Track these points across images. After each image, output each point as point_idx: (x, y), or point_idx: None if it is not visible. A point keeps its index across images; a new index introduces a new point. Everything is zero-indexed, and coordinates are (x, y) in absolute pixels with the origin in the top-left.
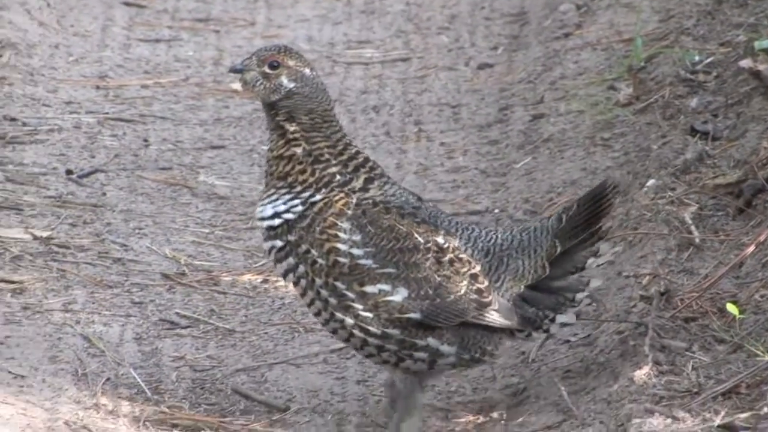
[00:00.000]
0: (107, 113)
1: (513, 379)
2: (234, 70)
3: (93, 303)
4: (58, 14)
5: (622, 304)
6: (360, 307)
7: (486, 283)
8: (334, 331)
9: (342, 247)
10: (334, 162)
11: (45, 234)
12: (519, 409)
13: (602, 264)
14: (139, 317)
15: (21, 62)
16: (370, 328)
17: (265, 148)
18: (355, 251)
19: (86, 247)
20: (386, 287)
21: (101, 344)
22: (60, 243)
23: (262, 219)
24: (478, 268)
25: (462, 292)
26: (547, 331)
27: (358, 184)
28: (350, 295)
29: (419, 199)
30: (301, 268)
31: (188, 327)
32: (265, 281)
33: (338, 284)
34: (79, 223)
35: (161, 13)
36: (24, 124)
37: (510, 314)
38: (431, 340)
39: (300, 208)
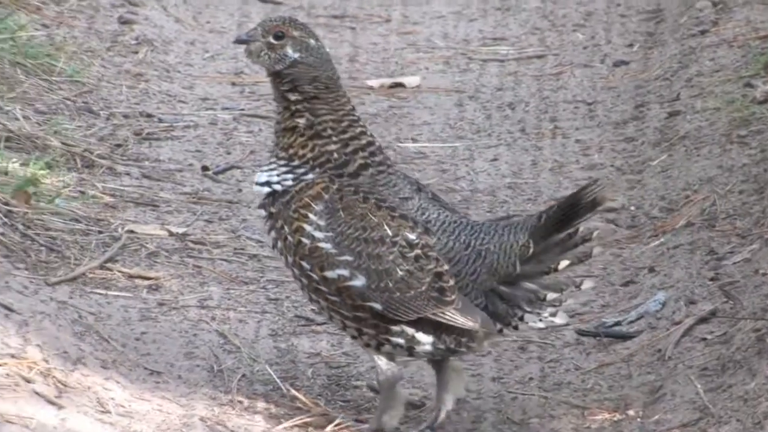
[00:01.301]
0: (243, 109)
1: (649, 377)
2: (239, 41)
3: (228, 299)
4: (194, 11)
5: (758, 301)
6: (326, 290)
7: (451, 282)
8: (320, 312)
9: (307, 228)
10: (335, 139)
11: (181, 230)
12: (655, 407)
13: (738, 262)
14: (274, 314)
15: (157, 59)
16: (342, 311)
17: (400, 144)
18: (317, 234)
19: (222, 243)
20: (345, 273)
21: (237, 341)
22: (196, 239)
23: (256, 183)
24: (445, 267)
25: (423, 288)
26: (516, 328)
27: (351, 168)
28: (315, 277)
29: (419, 189)
30: (279, 244)
31: (323, 323)
32: None
33: (304, 264)
34: (215, 219)
35: (297, 9)
36: (160, 121)
37: (473, 314)
38: (405, 327)
39: (290, 182)
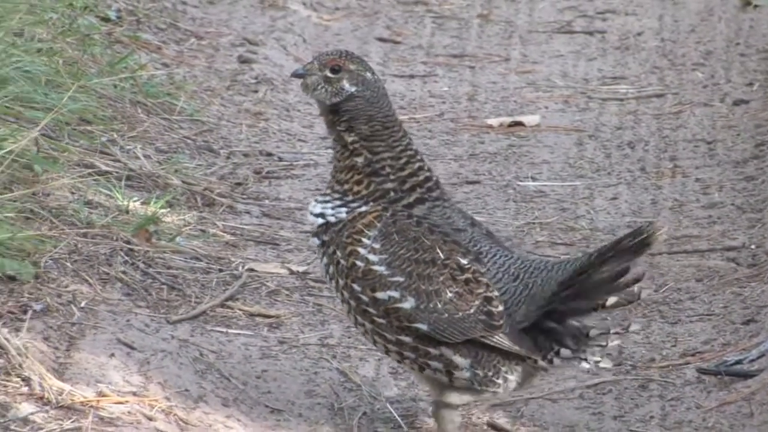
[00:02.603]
0: None
1: None
2: (296, 75)
3: (349, 337)
4: (313, 50)
5: None
6: (374, 312)
7: (500, 308)
8: (363, 336)
9: (361, 251)
10: (392, 177)
11: (301, 269)
12: None
13: None
14: None
15: (277, 98)
16: (386, 334)
17: (520, 182)
18: (372, 257)
19: None
20: (395, 294)
21: (357, 378)
22: (316, 278)
23: (311, 213)
24: (495, 293)
25: (471, 311)
26: (551, 362)
27: (407, 201)
28: (364, 299)
29: (472, 224)
30: (332, 269)
31: None
32: None
33: (355, 287)
34: None
35: (416, 48)
36: (280, 159)
37: (520, 340)
38: (444, 350)
39: (344, 216)
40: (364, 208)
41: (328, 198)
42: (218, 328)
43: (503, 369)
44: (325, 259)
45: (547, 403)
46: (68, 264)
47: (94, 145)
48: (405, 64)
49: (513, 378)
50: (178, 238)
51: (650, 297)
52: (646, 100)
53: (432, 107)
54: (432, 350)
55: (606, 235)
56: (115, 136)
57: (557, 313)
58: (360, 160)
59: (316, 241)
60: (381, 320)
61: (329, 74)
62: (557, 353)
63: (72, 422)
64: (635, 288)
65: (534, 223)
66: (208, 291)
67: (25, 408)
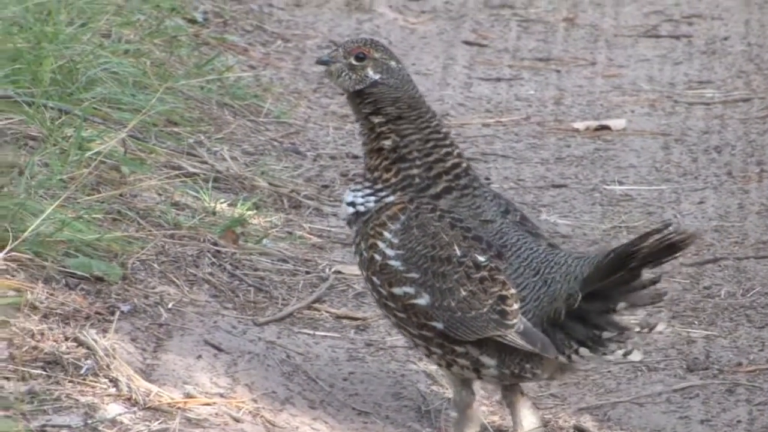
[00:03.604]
0: None
1: None
2: (321, 62)
3: None
4: (399, 53)
5: None
6: (393, 306)
7: (514, 306)
8: (393, 327)
9: (381, 245)
10: (418, 163)
11: None
12: None
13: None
14: None
15: None
16: (408, 328)
17: (606, 186)
18: (389, 251)
19: None
20: (410, 290)
21: (444, 381)
22: None
23: (344, 202)
24: (511, 291)
25: (484, 310)
26: (569, 358)
27: (434, 191)
28: (383, 293)
29: (506, 212)
30: (358, 259)
31: None
32: None
33: (375, 279)
34: None
35: (502, 52)
36: None
37: (534, 339)
38: (469, 348)
39: (372, 204)
40: (391, 198)
41: (359, 186)
42: (305, 330)
43: (528, 366)
44: (354, 249)
45: (634, 407)
46: (155, 265)
47: (181, 147)
48: (491, 68)
49: (541, 372)
50: (264, 240)
51: (737, 301)
52: (732, 105)
53: (518, 110)
54: (458, 348)
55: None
56: (202, 137)
57: (570, 312)
58: (388, 143)
59: (348, 231)
60: (401, 315)
61: (354, 62)
62: (576, 351)
63: (159, 423)
64: (652, 290)
65: (621, 227)
66: (294, 293)
67: (113, 409)
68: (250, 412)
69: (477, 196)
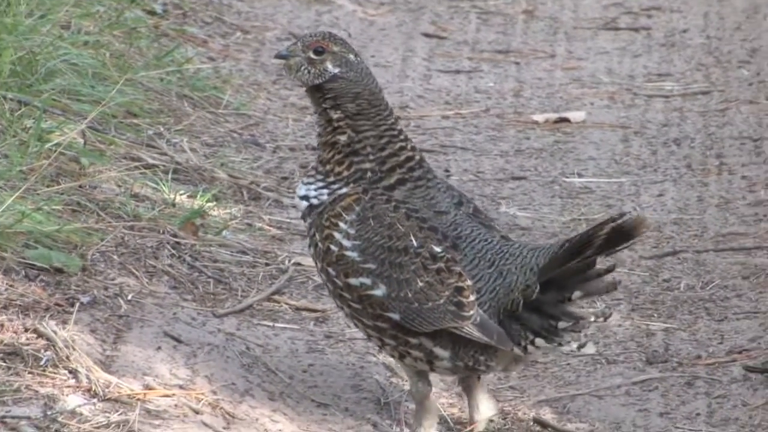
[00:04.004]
0: None
1: None
2: (279, 56)
3: None
4: (358, 45)
5: None
6: (348, 297)
7: (471, 298)
8: (346, 318)
9: (337, 235)
10: (371, 158)
11: None
12: None
13: None
14: None
15: None
16: (363, 319)
17: (565, 178)
18: (345, 242)
19: None
20: (367, 281)
21: (402, 373)
22: None
23: (297, 196)
24: (467, 282)
25: (441, 301)
26: (525, 349)
27: (387, 182)
28: (339, 283)
29: (459, 204)
30: (311, 251)
31: None
32: None
33: (330, 271)
34: None
35: (461, 44)
36: None
37: (489, 330)
38: (423, 339)
39: (325, 197)
40: (344, 190)
41: (311, 180)
42: (264, 322)
43: (482, 358)
44: (308, 241)
45: (593, 399)
46: (115, 257)
47: (141, 138)
48: (450, 60)
49: (495, 364)
50: (224, 232)
51: (696, 294)
52: (691, 98)
53: (477, 103)
54: (411, 339)
55: (652, 232)
56: (162, 129)
57: (527, 302)
58: (343, 138)
59: (302, 224)
60: (357, 305)
61: (313, 56)
62: (532, 342)
63: (119, 415)
64: (607, 279)
65: (580, 219)
66: (254, 285)
67: (73, 400)
68: (209, 403)
69: (430, 187)
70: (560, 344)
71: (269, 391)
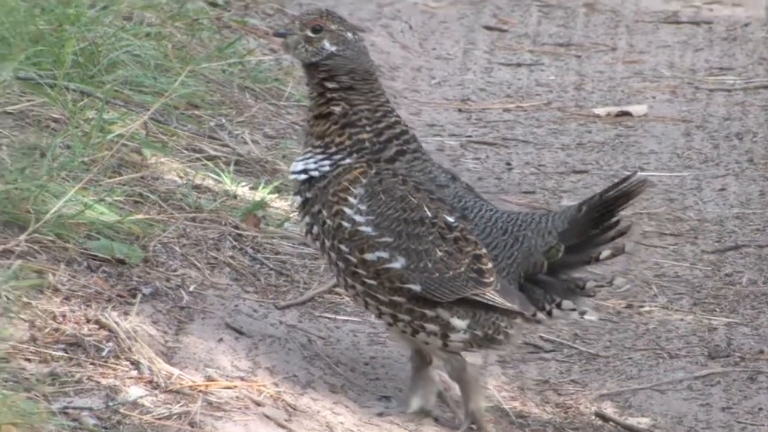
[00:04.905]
0: (470, 136)
1: None
2: (277, 35)
3: None
4: (420, 37)
5: None
6: (363, 273)
7: (489, 265)
8: (354, 299)
9: (348, 211)
10: (368, 129)
11: None
12: None
13: None
14: None
15: (384, 84)
16: (378, 295)
17: (627, 172)
18: (358, 218)
19: None
20: (384, 255)
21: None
22: None
23: (292, 173)
24: (483, 250)
25: (462, 269)
26: (549, 313)
27: (388, 153)
28: (353, 260)
29: (453, 179)
30: (316, 229)
31: (552, 351)
32: (629, 306)
33: (342, 247)
34: None
35: (522, 37)
36: None
37: (511, 296)
38: (440, 311)
39: (327, 168)
40: (348, 161)
41: (309, 154)
42: (326, 315)
43: (503, 325)
44: (307, 218)
45: (655, 393)
46: (177, 248)
47: (203, 130)
48: (512, 53)
49: (514, 333)
50: (286, 224)
51: (759, 289)
52: (753, 92)
53: (539, 96)
54: (428, 311)
55: (714, 226)
56: (224, 121)
57: (553, 265)
58: (337, 109)
59: (298, 199)
60: (372, 281)
61: (310, 34)
62: (558, 305)
63: (180, 406)
64: (623, 241)
65: (642, 213)
66: (316, 277)
67: (135, 391)
68: (271, 395)
69: (426, 161)
70: (579, 309)
71: (331, 384)
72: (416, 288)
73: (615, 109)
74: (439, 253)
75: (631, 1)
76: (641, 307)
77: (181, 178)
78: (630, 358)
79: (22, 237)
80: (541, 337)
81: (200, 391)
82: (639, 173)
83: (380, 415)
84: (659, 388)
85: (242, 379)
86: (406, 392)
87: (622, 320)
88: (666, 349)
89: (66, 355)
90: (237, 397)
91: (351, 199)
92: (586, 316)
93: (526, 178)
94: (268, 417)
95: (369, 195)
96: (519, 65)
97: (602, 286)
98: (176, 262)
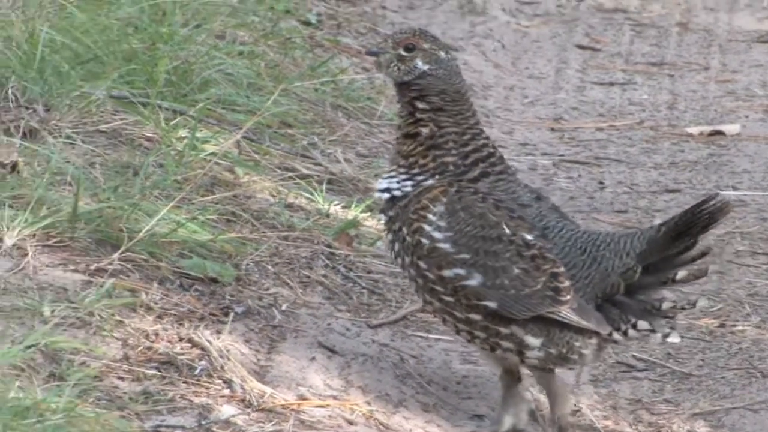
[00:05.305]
0: (562, 155)
1: None
2: (370, 53)
3: None
4: (512, 56)
5: None
6: (441, 290)
7: (566, 283)
8: (433, 314)
9: (427, 228)
10: (454, 152)
11: None
12: None
13: None
14: None
15: (477, 103)
16: (455, 312)
17: (721, 191)
18: (437, 234)
19: None
20: (461, 272)
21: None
22: None
23: (377, 191)
24: (561, 268)
25: (538, 287)
26: (625, 333)
27: (471, 175)
28: (431, 276)
29: (538, 198)
30: (397, 246)
31: (645, 370)
32: (722, 326)
33: (421, 264)
34: None
35: (615, 56)
36: None
37: (587, 315)
38: (515, 329)
39: (409, 188)
40: (429, 182)
41: (393, 173)
42: (418, 333)
43: (577, 344)
44: (390, 236)
45: (748, 413)
46: (269, 267)
47: (295, 149)
48: (604, 72)
49: (588, 352)
50: (378, 243)
51: None
52: None
53: (631, 115)
54: (502, 329)
55: None
56: (316, 139)
57: (630, 286)
58: (425, 130)
59: (383, 217)
60: (449, 298)
61: (403, 53)
62: (634, 326)
63: (273, 425)
64: (703, 262)
65: (734, 233)
66: (408, 296)
67: (227, 410)
68: (363, 414)
69: (511, 181)
70: (659, 330)
71: (423, 403)
72: (492, 305)
73: (708, 129)
74: (516, 271)
75: (724, 20)
76: (734, 326)
77: (273, 196)
78: (723, 378)
79: (115, 255)
80: (633, 356)
81: (293, 409)
82: (721, 195)
83: None
84: (752, 407)
85: (334, 397)
86: (499, 411)
87: (714, 339)
88: (759, 368)
89: (159, 373)
90: (329, 416)
91: (431, 216)
92: (669, 339)
93: (618, 198)
94: None
95: (449, 212)
96: (612, 84)
97: (683, 308)
98: (269, 280)
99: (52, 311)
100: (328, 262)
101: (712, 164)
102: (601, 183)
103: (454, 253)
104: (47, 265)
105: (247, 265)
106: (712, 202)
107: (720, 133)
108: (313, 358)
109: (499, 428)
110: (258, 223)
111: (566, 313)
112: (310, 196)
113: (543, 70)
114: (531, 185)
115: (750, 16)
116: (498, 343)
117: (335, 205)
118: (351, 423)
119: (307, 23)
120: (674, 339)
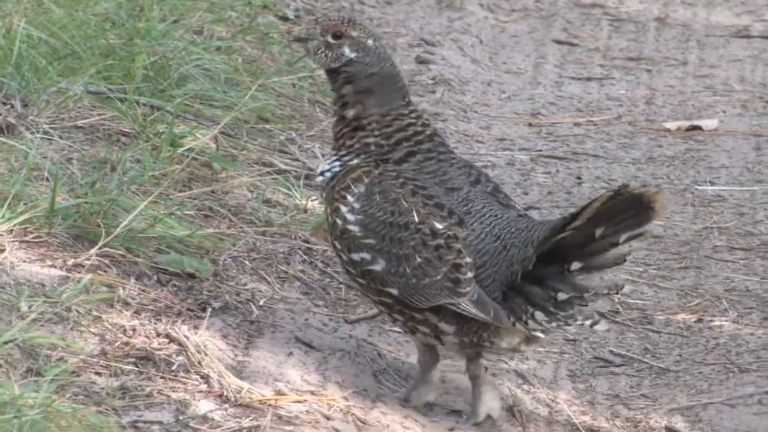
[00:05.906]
0: (540, 150)
1: None
2: (297, 39)
3: None
4: (490, 51)
5: None
6: (354, 272)
7: (467, 275)
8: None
9: (343, 209)
10: (376, 132)
11: None
12: None
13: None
14: (572, 354)
15: (454, 99)
16: (369, 295)
17: (698, 187)
18: (349, 216)
19: None
20: (367, 256)
21: (535, 381)
22: None
23: (317, 174)
24: (466, 260)
25: (438, 278)
26: (526, 324)
27: (396, 155)
28: (344, 258)
29: (476, 181)
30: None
31: (622, 365)
32: (699, 320)
33: (336, 244)
34: None
35: (593, 51)
36: None
37: (486, 307)
38: (429, 315)
39: (338, 169)
40: (354, 161)
41: (328, 156)
42: (395, 329)
43: (485, 335)
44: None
45: (725, 408)
46: (247, 262)
47: (273, 144)
48: (582, 67)
49: (498, 341)
50: None
51: None
52: None
53: (609, 110)
54: (417, 314)
55: None
56: (294, 135)
57: (526, 273)
58: (351, 112)
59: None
60: (361, 281)
61: (331, 40)
62: (532, 316)
63: (250, 420)
64: (615, 252)
65: (712, 228)
66: None
67: (204, 405)
68: (341, 409)
69: (442, 161)
70: (565, 321)
71: (400, 398)
72: (394, 292)
73: (685, 124)
74: (419, 260)
75: (702, 15)
76: (711, 321)
77: (251, 192)
78: (700, 373)
79: (93, 251)
80: (611, 352)
81: (270, 405)
82: (625, 187)
83: (451, 430)
84: (729, 402)
85: (312, 393)
86: (472, 403)
87: (692, 335)
88: (736, 363)
89: (136, 368)
90: (307, 411)
91: (349, 198)
92: (598, 327)
93: (596, 193)
94: (337, 431)
95: (366, 195)
96: (589, 79)
97: (579, 304)
98: (246, 276)
99: (30, 307)
100: (305, 257)
101: (690, 159)
102: (578, 178)
103: (362, 237)
104: (24, 261)
105: (225, 260)
106: (612, 195)
107: (698, 128)
108: (291, 354)
109: (475, 419)
110: (235, 219)
111: (464, 305)
112: (287, 192)
113: (521, 65)
114: (474, 164)
115: (728, 11)
116: (416, 327)
117: (313, 200)
118: (328, 418)
119: (285, 18)
120: (602, 327)
